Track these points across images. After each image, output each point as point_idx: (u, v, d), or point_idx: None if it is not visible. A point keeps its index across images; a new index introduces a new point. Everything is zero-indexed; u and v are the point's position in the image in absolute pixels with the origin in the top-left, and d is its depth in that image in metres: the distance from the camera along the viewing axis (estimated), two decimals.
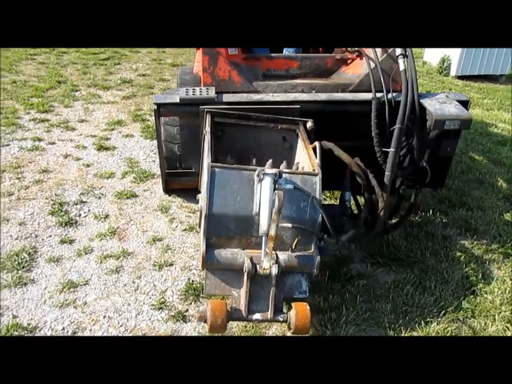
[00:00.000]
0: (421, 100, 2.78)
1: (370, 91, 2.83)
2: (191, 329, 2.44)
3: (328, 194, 3.71)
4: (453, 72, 8.20)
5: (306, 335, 2.18)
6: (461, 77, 8.16)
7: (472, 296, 2.73)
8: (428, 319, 2.53)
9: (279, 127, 2.62)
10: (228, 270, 2.11)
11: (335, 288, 2.73)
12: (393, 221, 3.09)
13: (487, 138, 5.21)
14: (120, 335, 2.41)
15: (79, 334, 2.41)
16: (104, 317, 2.52)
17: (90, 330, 2.43)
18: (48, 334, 2.39)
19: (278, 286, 2.12)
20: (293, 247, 2.13)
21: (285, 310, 2.16)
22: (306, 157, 2.40)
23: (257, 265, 2.05)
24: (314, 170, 2.21)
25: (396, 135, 2.60)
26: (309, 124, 2.59)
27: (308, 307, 2.05)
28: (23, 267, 2.83)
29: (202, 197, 2.15)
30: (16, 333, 2.37)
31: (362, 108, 2.76)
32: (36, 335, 2.38)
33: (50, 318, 2.49)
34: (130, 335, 2.41)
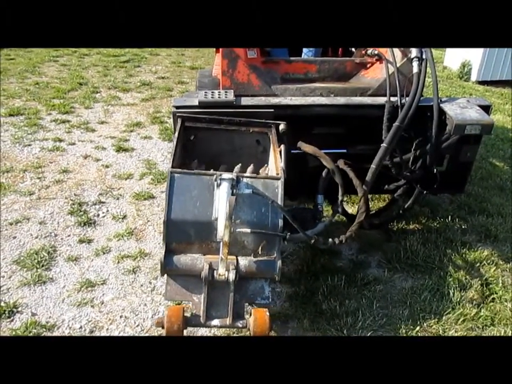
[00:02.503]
0: (441, 104, 2.75)
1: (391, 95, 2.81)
2: (206, 330, 2.45)
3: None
4: (473, 77, 8.08)
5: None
6: (482, 82, 8.03)
7: (491, 303, 2.68)
8: (446, 326, 2.49)
9: (251, 130, 2.59)
10: (189, 276, 2.10)
11: (352, 293, 2.71)
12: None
13: (508, 144, 5.12)
14: (136, 335, 2.43)
15: (96, 333, 2.44)
16: (121, 316, 2.55)
17: (107, 329, 2.46)
18: (66, 332, 2.43)
19: (240, 292, 2.10)
20: (259, 252, 2.10)
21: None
22: (273, 161, 2.38)
23: (215, 271, 2.04)
24: (278, 174, 2.19)
25: (393, 132, 2.56)
26: (281, 127, 2.54)
27: (268, 313, 2.02)
28: (43, 266, 2.87)
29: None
30: (34, 331, 2.41)
31: (381, 112, 2.74)
32: (53, 333, 2.42)
33: (68, 316, 2.53)
34: (147, 335, 2.43)
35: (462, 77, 8.20)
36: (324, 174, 2.62)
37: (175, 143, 2.36)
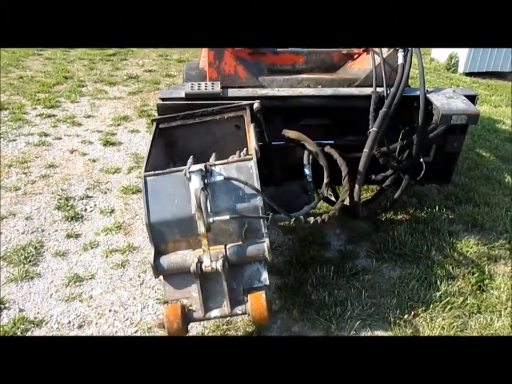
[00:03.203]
0: (427, 95, 2.76)
1: (377, 86, 2.82)
2: (196, 324, 2.44)
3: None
4: (460, 69, 8.13)
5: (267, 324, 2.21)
6: (469, 74, 8.09)
7: (478, 291, 2.72)
8: (433, 314, 2.52)
9: (226, 117, 2.56)
10: (183, 273, 2.09)
11: (341, 283, 2.73)
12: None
13: (495, 135, 5.16)
14: (125, 328, 2.42)
15: (85, 327, 2.42)
16: (110, 310, 2.54)
17: (96, 324, 2.44)
18: (55, 327, 2.41)
19: (236, 279, 2.11)
20: (243, 237, 2.10)
21: None
22: (249, 141, 2.35)
23: (203, 264, 2.04)
24: (250, 154, 2.17)
25: (381, 117, 2.59)
26: (255, 105, 2.52)
27: (264, 295, 2.02)
28: (30, 261, 2.85)
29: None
30: (22, 326, 2.39)
31: (368, 103, 2.74)
32: (41, 328, 2.40)
33: (57, 311, 2.51)
34: (136, 329, 2.42)
35: (449, 68, 8.25)
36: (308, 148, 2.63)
37: (149, 147, 2.34)
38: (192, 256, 2.07)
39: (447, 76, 7.88)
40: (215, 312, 2.08)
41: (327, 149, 2.69)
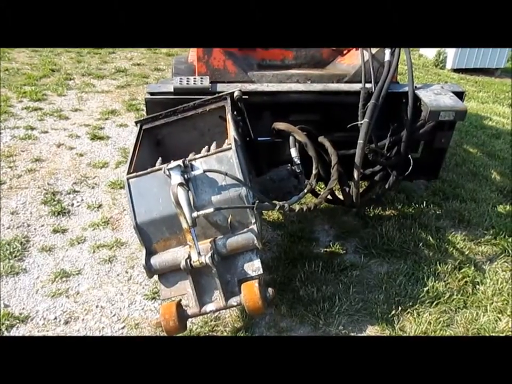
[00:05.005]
0: (416, 91, 2.77)
1: (366, 82, 2.82)
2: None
3: None
4: (449, 65, 8.19)
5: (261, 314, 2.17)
6: (457, 70, 8.15)
7: (464, 287, 2.74)
8: (420, 310, 2.54)
9: (207, 109, 2.52)
10: (176, 271, 2.08)
11: (329, 279, 2.74)
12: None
13: (482, 131, 5.21)
14: (112, 324, 2.41)
15: (72, 323, 2.40)
16: (97, 306, 2.52)
17: (83, 320, 2.42)
18: (40, 323, 2.39)
19: (230, 270, 2.10)
20: (229, 227, 2.08)
21: None
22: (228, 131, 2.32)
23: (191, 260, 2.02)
24: (229, 144, 2.13)
25: (370, 109, 2.60)
26: (236, 93, 2.51)
27: (257, 284, 1.99)
28: (15, 256, 2.81)
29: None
30: (7, 322, 2.36)
31: (357, 99, 2.74)
32: (27, 324, 2.38)
33: (43, 307, 2.48)
34: (123, 324, 2.41)
35: (437, 64, 8.31)
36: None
37: (132, 149, 2.32)
38: (183, 252, 2.05)
39: (435, 72, 7.94)
40: (210, 306, 2.06)
41: (320, 138, 2.69)
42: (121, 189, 3.59)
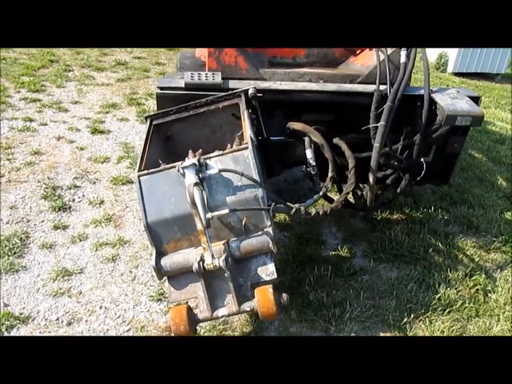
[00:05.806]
0: (432, 94, 2.72)
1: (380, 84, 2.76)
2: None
3: None
4: (450, 68, 8.18)
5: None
6: (458, 74, 8.14)
7: (476, 295, 2.70)
8: (433, 318, 2.49)
9: (220, 106, 2.43)
10: (187, 273, 2.00)
11: (338, 283, 2.67)
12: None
13: (486, 136, 5.18)
14: (117, 326, 2.32)
15: (75, 324, 2.31)
16: (101, 307, 2.43)
17: (87, 321, 2.34)
18: (42, 324, 2.29)
19: (243, 274, 2.01)
20: (243, 230, 2.01)
21: None
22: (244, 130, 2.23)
23: (204, 262, 1.94)
24: (245, 143, 2.06)
25: (386, 111, 2.55)
26: (250, 91, 2.44)
27: (271, 290, 1.90)
28: (15, 253, 2.71)
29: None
30: (7, 323, 2.26)
31: (371, 100, 2.68)
32: (28, 325, 2.29)
33: (44, 307, 2.39)
34: (129, 327, 2.33)
35: (438, 68, 8.29)
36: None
37: (143, 145, 2.23)
38: (195, 254, 1.97)
39: (437, 76, 7.91)
40: (222, 311, 1.98)
41: (336, 140, 2.62)
42: (124, 185, 3.50)
